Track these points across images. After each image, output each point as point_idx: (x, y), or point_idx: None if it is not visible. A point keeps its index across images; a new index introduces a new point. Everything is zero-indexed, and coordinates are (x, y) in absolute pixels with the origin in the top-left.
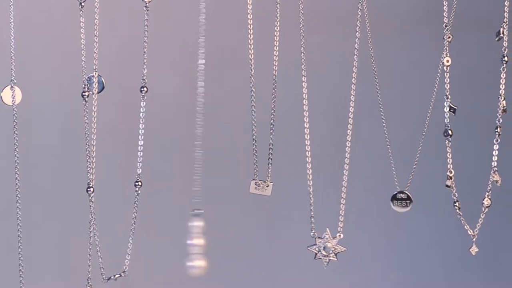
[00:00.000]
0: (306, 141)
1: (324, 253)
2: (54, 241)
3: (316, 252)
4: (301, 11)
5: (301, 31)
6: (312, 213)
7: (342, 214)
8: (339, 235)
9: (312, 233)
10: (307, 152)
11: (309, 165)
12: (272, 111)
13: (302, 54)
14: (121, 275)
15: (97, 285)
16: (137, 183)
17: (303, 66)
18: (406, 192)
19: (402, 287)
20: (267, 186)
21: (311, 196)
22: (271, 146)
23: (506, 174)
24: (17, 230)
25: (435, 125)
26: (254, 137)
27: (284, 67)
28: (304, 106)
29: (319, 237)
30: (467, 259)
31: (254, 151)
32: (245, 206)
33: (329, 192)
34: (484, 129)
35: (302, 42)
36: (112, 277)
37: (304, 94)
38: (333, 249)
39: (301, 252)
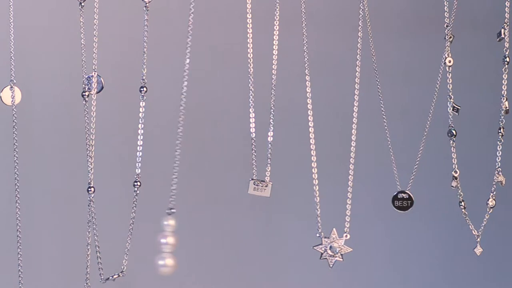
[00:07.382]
0: (311, 140)
1: (331, 253)
2: (54, 241)
3: (322, 252)
4: (302, 10)
5: (303, 30)
6: (318, 213)
7: (349, 214)
8: (346, 236)
9: (318, 233)
10: (312, 152)
11: (314, 164)
12: (272, 110)
13: (305, 53)
14: (119, 275)
15: (96, 285)
16: (136, 183)
17: (306, 65)
18: (407, 192)
19: (403, 287)
20: (266, 186)
21: (316, 195)
22: (270, 145)
23: (509, 174)
24: (17, 230)
25: (437, 126)
26: (253, 136)
27: (284, 67)
28: (308, 105)
29: (325, 237)
30: (469, 259)
31: (253, 151)
32: (244, 206)
33: (329, 192)
34: (486, 129)
35: (304, 42)
36: (111, 277)
37: (307, 93)
38: (339, 249)
39: (301, 252)
